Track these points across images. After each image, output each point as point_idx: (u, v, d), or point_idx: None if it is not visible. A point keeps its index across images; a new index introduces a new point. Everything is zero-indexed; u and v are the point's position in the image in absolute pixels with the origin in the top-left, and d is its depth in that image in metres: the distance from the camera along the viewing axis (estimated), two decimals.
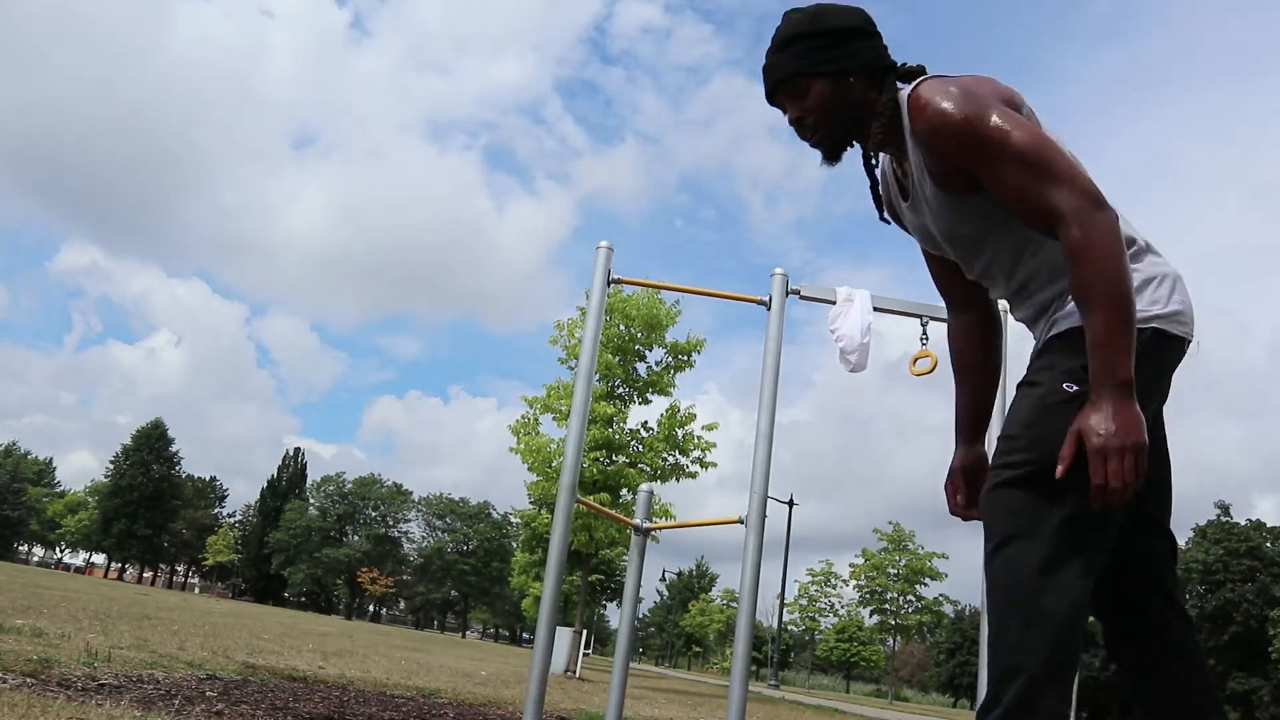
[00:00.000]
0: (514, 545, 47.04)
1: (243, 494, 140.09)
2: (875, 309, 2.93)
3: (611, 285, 2.82)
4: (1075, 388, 1.51)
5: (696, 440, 16.70)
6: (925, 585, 50.68)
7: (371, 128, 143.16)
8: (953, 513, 1.90)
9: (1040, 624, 1.42)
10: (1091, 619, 1.60)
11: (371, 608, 78.48)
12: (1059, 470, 1.46)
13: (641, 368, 16.79)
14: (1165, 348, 1.58)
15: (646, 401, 16.81)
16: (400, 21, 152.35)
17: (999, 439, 1.59)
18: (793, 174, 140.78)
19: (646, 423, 17.03)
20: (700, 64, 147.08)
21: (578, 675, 13.96)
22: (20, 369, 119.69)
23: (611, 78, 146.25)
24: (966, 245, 1.75)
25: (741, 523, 2.65)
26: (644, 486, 3.14)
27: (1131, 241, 1.64)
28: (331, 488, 75.65)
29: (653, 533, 3.02)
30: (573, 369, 16.14)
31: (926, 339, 2.74)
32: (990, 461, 1.63)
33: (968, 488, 1.89)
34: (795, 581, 61.28)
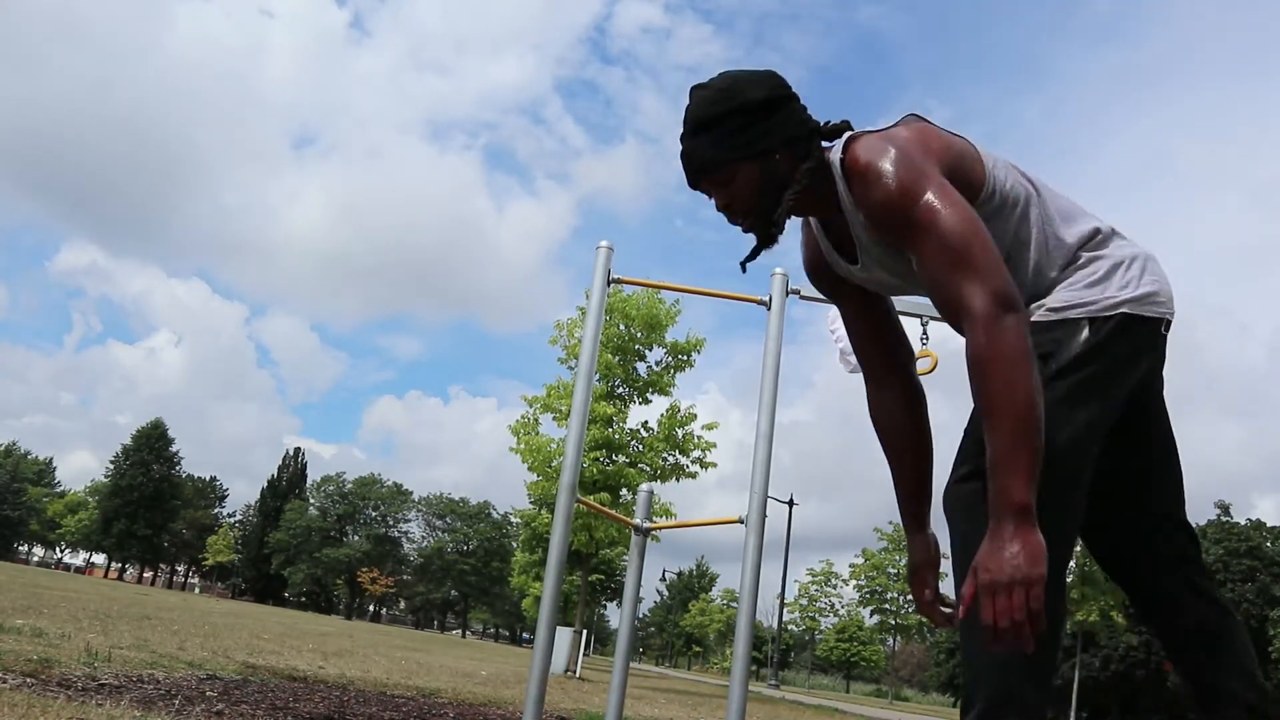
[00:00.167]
0: (514, 545, 47.04)
1: (243, 494, 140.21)
2: None
3: (611, 285, 2.82)
4: None
5: (696, 440, 16.71)
6: None
7: (371, 128, 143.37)
8: (921, 611, 1.76)
9: None
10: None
11: (371, 608, 78.49)
12: (960, 612, 1.39)
13: (641, 368, 16.80)
14: (1136, 332, 1.56)
15: (646, 401, 16.82)
16: (400, 21, 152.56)
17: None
18: None
19: (646, 423, 17.04)
20: (700, 64, 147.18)
21: (578, 675, 13.96)
22: (20, 369, 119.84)
23: (611, 78, 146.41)
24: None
25: (741, 523, 2.65)
26: (644, 486, 3.14)
27: (1096, 231, 1.63)
28: (331, 488, 75.68)
29: (653, 533, 3.02)
30: (573, 369, 16.13)
31: (926, 339, 2.74)
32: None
33: (933, 581, 1.76)
34: (795, 581, 61.29)
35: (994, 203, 1.59)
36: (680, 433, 16.74)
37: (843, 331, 2.90)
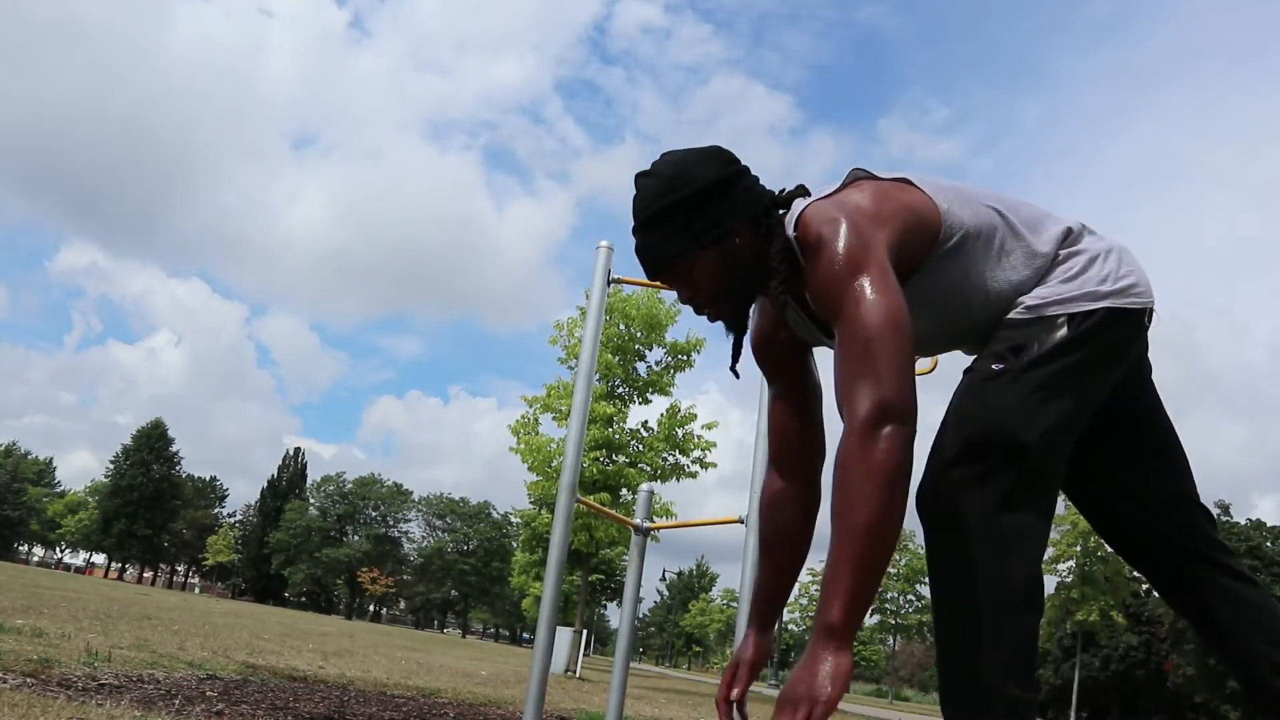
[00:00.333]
0: (514, 545, 47.04)
1: (243, 494, 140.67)
2: None
3: (611, 285, 2.83)
4: (1000, 366, 1.50)
5: (696, 440, 16.73)
6: (925, 584, 50.81)
7: (371, 127, 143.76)
8: (717, 703, 1.64)
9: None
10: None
11: (372, 608, 78.50)
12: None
13: (641, 367, 16.82)
14: (1121, 325, 1.56)
15: (646, 401, 16.84)
16: (400, 21, 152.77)
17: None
18: (792, 174, 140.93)
19: (646, 422, 17.06)
20: (700, 64, 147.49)
21: (578, 675, 13.97)
22: (20, 369, 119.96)
23: (611, 78, 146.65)
24: (926, 336, 1.64)
25: (741, 523, 2.66)
26: (644, 486, 3.14)
27: (1068, 231, 1.62)
28: (331, 488, 75.71)
29: (653, 532, 3.02)
30: (573, 369, 16.14)
31: None
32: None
33: (747, 681, 1.67)
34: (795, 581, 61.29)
35: (953, 241, 1.56)
36: (680, 432, 16.77)
37: None
